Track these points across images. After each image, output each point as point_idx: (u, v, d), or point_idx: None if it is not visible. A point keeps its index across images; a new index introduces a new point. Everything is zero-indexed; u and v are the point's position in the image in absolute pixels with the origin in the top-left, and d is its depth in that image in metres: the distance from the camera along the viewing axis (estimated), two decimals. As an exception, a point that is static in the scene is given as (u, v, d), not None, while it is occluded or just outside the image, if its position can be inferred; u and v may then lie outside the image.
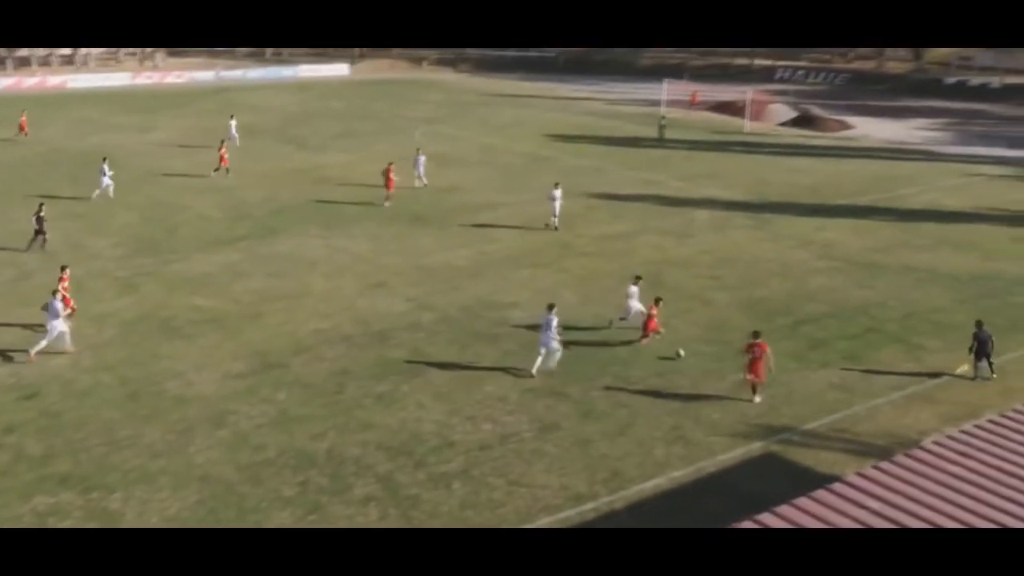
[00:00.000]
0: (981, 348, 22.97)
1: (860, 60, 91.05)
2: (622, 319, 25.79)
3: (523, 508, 17.14)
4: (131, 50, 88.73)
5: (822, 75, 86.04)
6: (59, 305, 23.16)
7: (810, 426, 20.53)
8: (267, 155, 48.69)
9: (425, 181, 41.89)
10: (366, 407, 21.04)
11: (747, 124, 60.86)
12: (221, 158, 43.05)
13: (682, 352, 24.16)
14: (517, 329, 25.69)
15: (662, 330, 25.03)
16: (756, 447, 19.55)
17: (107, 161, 39.78)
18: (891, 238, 35.50)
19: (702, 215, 38.53)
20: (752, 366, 21.56)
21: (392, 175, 38.64)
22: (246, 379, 22.29)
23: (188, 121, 59.78)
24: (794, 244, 34.57)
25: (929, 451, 14.68)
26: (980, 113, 69.61)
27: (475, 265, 31.23)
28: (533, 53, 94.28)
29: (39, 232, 31.48)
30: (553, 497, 17.54)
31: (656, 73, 79.74)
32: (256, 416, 20.46)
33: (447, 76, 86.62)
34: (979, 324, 23.33)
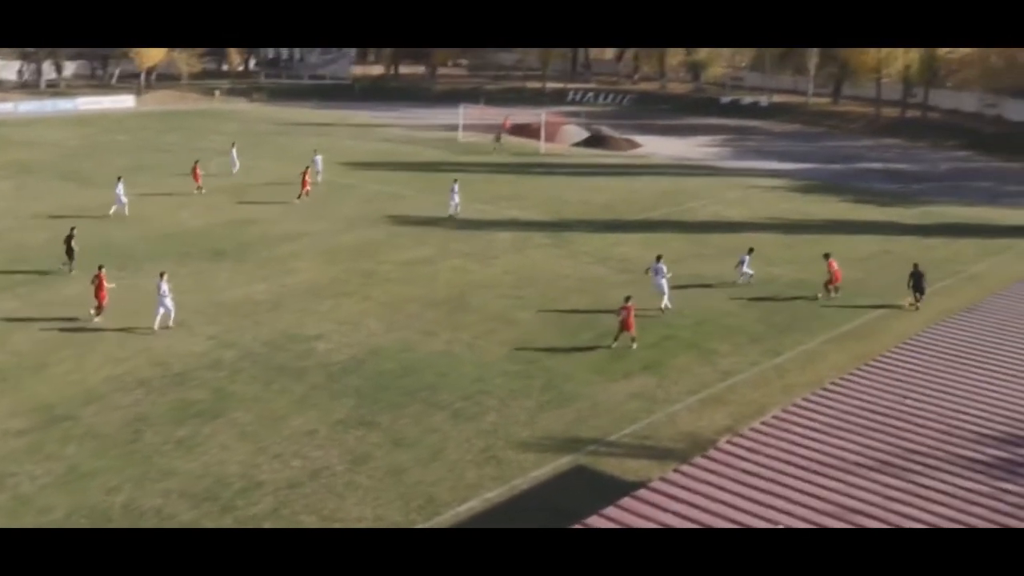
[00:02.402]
0: (917, 283, 30.47)
1: (645, 81, 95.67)
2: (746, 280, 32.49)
3: (337, 544, 16.79)
4: None
5: (611, 96, 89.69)
6: (164, 285, 27.00)
7: (615, 436, 21.28)
8: (45, 194, 45.69)
9: (322, 178, 48.06)
10: (166, 454, 20.05)
11: (543, 146, 62.58)
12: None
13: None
14: (323, 361, 25.25)
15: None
16: (565, 461, 20.06)
17: (122, 180, 41.13)
18: (681, 250, 37.38)
19: (503, 236, 39.26)
20: (625, 323, 26.21)
21: (308, 177, 45.04)
22: (28, 436, 20.69)
23: (-48, 160, 55.14)
24: (592, 260, 35.82)
25: (723, 451, 15.53)
26: (753, 129, 74.70)
27: (276, 298, 30.46)
28: (328, 80, 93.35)
29: (70, 254, 32.54)
30: (368, 530, 17.30)
31: (452, 98, 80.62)
32: (40, 475, 19.02)
33: (241, 106, 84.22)
34: (915, 265, 31.07)
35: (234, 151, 51.82)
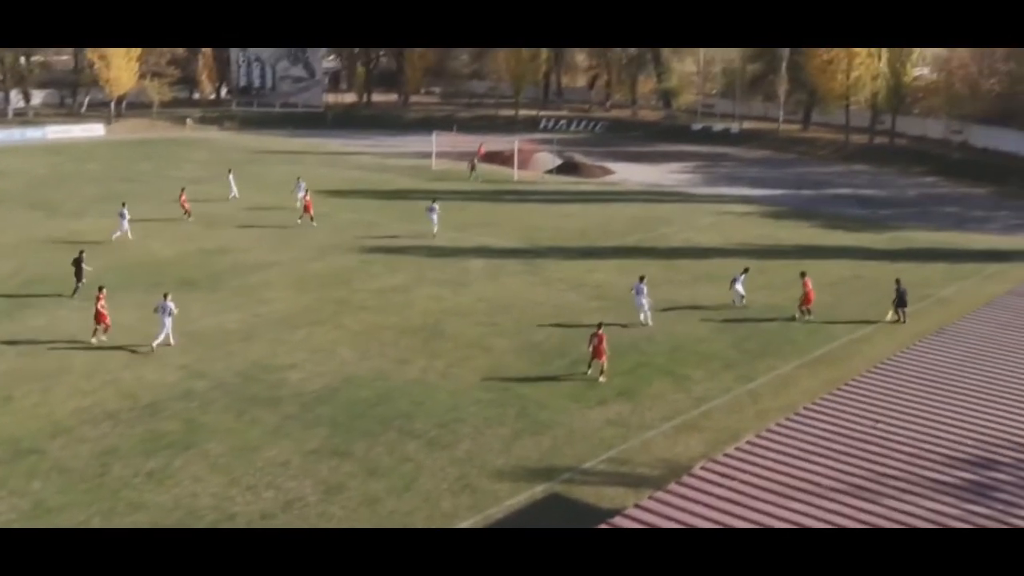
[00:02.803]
0: (900, 300, 31.60)
1: (617, 109, 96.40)
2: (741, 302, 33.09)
3: None
4: None
5: (583, 124, 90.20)
6: (171, 304, 27.97)
7: (590, 464, 21.23)
8: (12, 223, 45.22)
9: (300, 205, 47.42)
10: (135, 487, 19.77)
11: (516, 173, 62.80)
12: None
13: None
14: (296, 391, 25.05)
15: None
16: (540, 490, 19.98)
17: (126, 206, 42.17)
18: (655, 275, 37.37)
19: (477, 263, 39.26)
20: (596, 351, 25.89)
21: (308, 199, 46.04)
22: (-6, 470, 20.35)
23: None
24: (566, 287, 35.87)
25: (698, 477, 15.54)
26: (724, 156, 75.29)
27: (249, 327, 30.23)
28: (301, 109, 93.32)
29: (79, 276, 33.21)
30: (341, 562, 17.10)
31: (424, 126, 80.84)
32: (5, 511, 18.68)
33: (212, 134, 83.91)
34: (898, 281, 32.35)
35: (231, 177, 52.48)
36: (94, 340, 28.48)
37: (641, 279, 31.33)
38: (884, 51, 72.12)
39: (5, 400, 24.16)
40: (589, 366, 26.40)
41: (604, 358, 26.16)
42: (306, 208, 45.68)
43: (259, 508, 18.98)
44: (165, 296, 28.38)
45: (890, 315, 32.20)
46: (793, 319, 32.09)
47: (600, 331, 26.32)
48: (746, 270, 34.04)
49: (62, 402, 24.06)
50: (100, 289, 29.26)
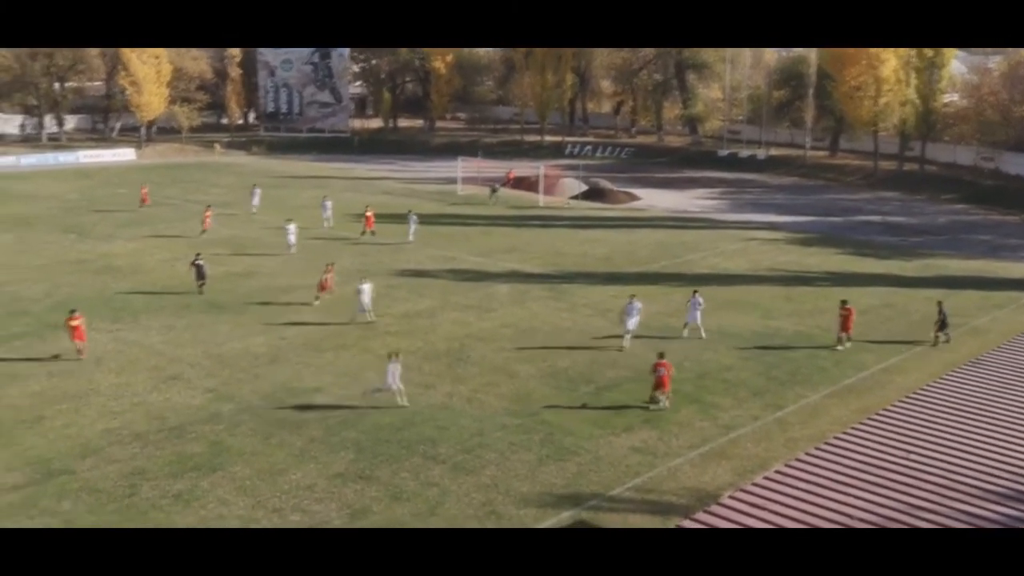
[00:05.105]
0: (943, 322, 32.42)
1: (642, 135, 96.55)
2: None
3: (335, 602, 16.53)
4: None
5: (608, 149, 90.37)
6: (364, 286, 33.61)
7: (616, 491, 21.06)
8: (45, 246, 45.84)
9: (332, 223, 51.68)
10: (163, 508, 19.83)
11: (541, 198, 62.92)
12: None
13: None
14: (322, 414, 25.09)
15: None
16: (566, 516, 19.83)
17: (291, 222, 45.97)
18: (681, 302, 37.28)
19: (502, 288, 39.26)
20: (661, 381, 25.64)
21: (369, 213, 49.74)
22: (23, 490, 20.49)
23: (-46, 212, 55.37)
24: (591, 313, 35.76)
25: (726, 506, 15.39)
26: (750, 182, 75.11)
27: (276, 351, 30.35)
28: (327, 134, 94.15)
29: (200, 278, 37.11)
30: (366, 587, 17.03)
31: (450, 151, 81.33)
32: (36, 530, 18.80)
33: (240, 159, 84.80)
34: (939, 304, 32.97)
35: (256, 191, 56.18)
36: (316, 302, 35.30)
37: (632, 297, 32.02)
38: (913, 77, 71.78)
39: (36, 420, 24.37)
40: (651, 399, 25.92)
41: (668, 388, 25.83)
42: (367, 223, 49.29)
43: (284, 532, 18.95)
44: (363, 279, 34.36)
45: (935, 334, 32.65)
46: (836, 348, 31.66)
47: (663, 360, 26.00)
48: (695, 292, 33.53)
49: (91, 423, 24.23)
50: (331, 265, 36.69)
